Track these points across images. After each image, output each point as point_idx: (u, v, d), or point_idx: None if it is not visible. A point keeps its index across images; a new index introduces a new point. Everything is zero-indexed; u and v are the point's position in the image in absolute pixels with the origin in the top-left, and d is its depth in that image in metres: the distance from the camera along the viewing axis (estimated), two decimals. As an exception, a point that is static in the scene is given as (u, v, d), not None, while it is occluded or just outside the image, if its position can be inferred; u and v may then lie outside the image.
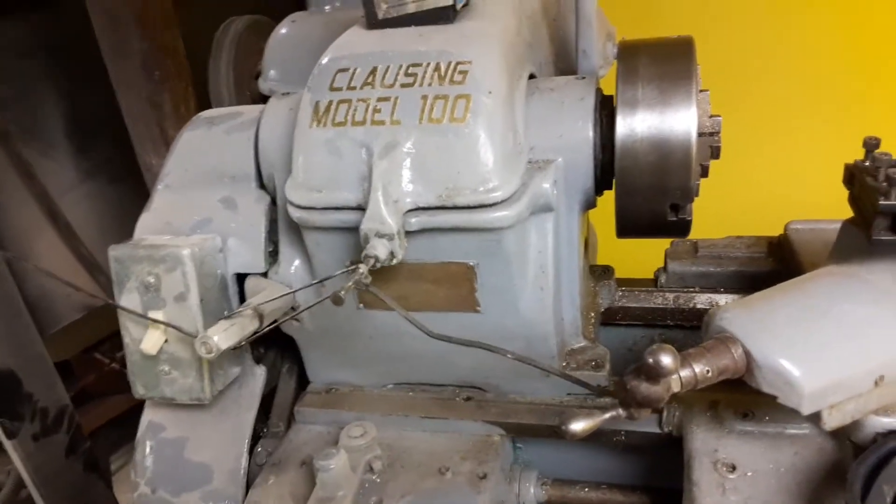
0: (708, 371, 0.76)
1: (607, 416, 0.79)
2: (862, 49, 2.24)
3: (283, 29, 1.47)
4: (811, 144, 2.28)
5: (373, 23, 1.03)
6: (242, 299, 1.12)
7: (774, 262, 1.22)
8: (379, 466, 1.04)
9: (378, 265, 0.89)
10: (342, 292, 0.84)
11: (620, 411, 0.79)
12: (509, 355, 0.88)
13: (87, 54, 1.81)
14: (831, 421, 0.77)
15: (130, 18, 1.68)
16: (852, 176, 0.84)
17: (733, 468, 0.87)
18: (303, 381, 1.26)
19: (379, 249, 0.89)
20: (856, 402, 0.77)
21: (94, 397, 2.61)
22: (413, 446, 1.10)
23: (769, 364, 0.75)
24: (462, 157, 0.90)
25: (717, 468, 0.88)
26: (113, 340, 2.54)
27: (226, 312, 1.09)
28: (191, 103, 1.86)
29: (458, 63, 0.93)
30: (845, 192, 0.93)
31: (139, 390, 1.09)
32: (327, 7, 1.45)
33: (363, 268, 0.87)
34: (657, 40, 1.00)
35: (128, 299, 1.05)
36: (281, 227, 1.10)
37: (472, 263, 0.97)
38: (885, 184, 0.76)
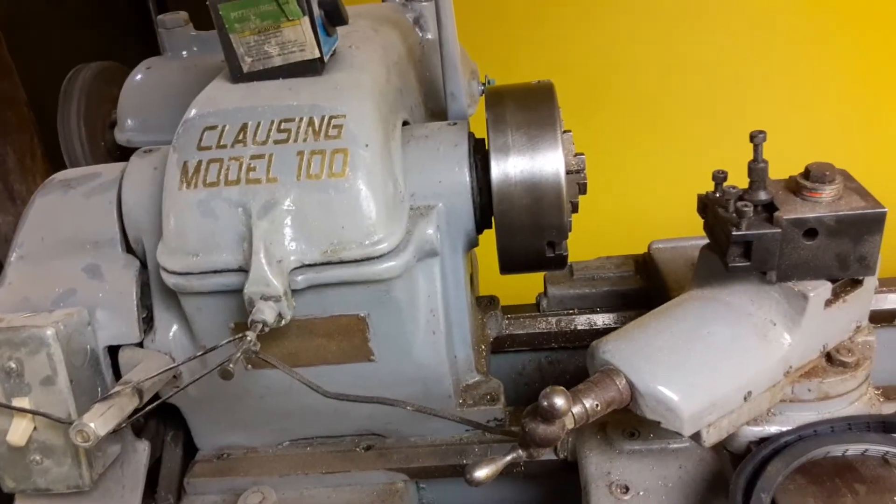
0: (597, 405, 0.80)
1: (508, 458, 0.81)
2: (719, 65, 2.41)
3: (137, 75, 1.40)
4: (668, 162, 2.46)
5: (237, 76, 1.00)
6: (117, 372, 1.05)
7: (642, 280, 1.31)
8: (283, 531, 1.01)
9: (266, 329, 0.86)
10: (230, 364, 0.81)
11: (520, 452, 0.81)
12: (409, 407, 0.89)
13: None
14: (710, 438, 0.83)
15: (-41, 68, 1.54)
16: (705, 206, 0.92)
17: (626, 489, 0.92)
18: (189, 448, 1.19)
19: (266, 313, 0.86)
20: (729, 418, 0.83)
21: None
22: (316, 504, 1.07)
23: (650, 392, 0.80)
24: (345, 211, 0.90)
25: (612, 491, 0.92)
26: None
27: (100, 390, 1.02)
28: (37, 154, 1.72)
29: (332, 117, 0.93)
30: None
31: (9, 484, 1.00)
32: (184, 52, 1.39)
33: (251, 335, 0.84)
34: (521, 87, 1.04)
35: (-15, 388, 0.95)
36: (154, 292, 1.04)
37: (362, 314, 0.96)
38: (735, 215, 0.83)
